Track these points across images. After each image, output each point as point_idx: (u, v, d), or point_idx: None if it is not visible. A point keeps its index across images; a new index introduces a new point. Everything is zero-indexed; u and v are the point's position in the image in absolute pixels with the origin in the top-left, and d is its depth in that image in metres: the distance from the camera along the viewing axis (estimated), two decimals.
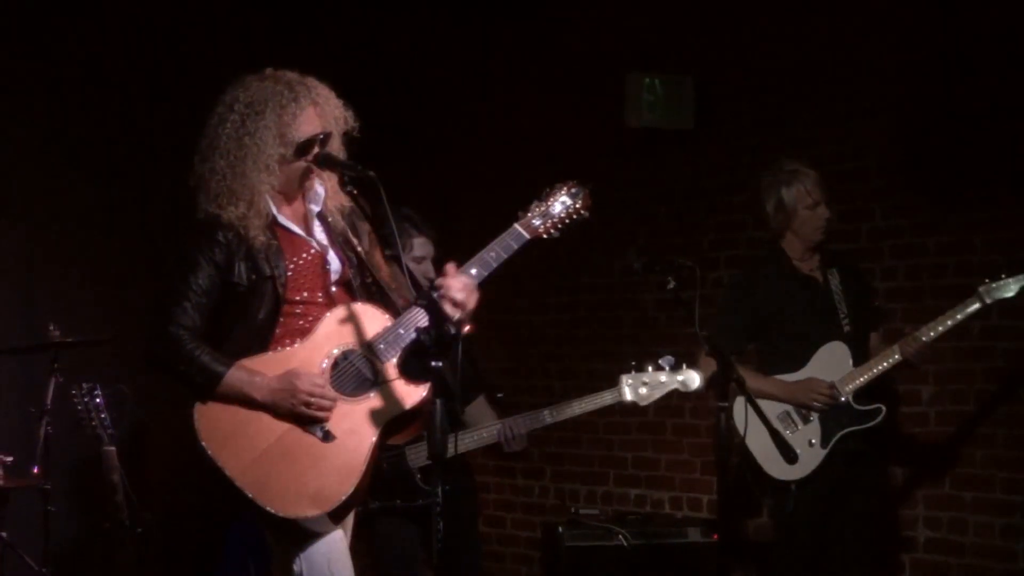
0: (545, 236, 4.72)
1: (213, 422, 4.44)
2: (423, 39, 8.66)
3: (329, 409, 4.46)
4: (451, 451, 5.71)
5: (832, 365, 6.22)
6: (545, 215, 4.71)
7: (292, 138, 4.53)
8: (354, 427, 4.49)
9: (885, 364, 6.15)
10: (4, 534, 6.55)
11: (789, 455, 5.48)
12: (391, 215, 4.35)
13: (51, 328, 6.71)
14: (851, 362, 6.21)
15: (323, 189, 4.68)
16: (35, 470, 6.69)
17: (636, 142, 7.90)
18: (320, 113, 4.59)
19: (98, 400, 6.62)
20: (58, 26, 7.59)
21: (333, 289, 4.63)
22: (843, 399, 6.15)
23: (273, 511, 4.38)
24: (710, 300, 6.57)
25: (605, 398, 6.04)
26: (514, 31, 8.41)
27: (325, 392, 4.45)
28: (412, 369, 4.57)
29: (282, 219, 4.60)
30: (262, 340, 4.52)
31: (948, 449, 6.85)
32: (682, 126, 7.69)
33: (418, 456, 5.90)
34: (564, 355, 8.28)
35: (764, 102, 7.50)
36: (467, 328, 4.57)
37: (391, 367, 4.53)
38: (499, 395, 6.17)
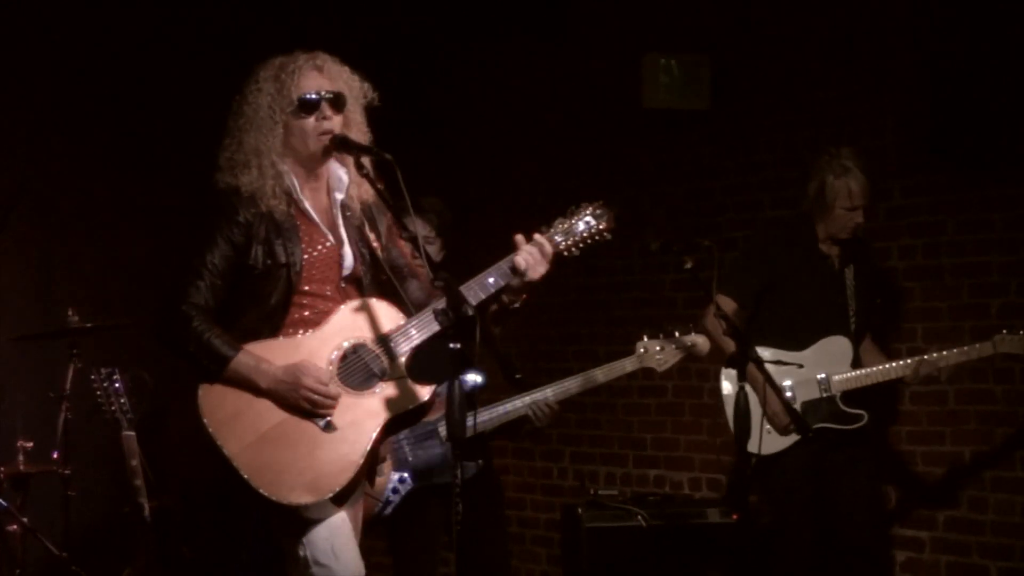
0: (565, 254, 4.70)
1: (216, 401, 4.46)
2: (440, 23, 8.64)
3: (330, 407, 4.47)
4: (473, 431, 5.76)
5: (832, 358, 6.26)
6: (567, 233, 4.69)
7: (291, 95, 4.52)
8: (356, 420, 4.51)
9: (884, 375, 6.22)
10: (25, 519, 6.58)
11: (802, 428, 5.49)
12: (408, 197, 4.36)
13: (70, 314, 6.72)
14: (850, 361, 6.26)
15: (346, 176, 4.67)
16: (55, 455, 6.72)
17: (653, 123, 7.88)
18: (326, 75, 4.58)
19: (117, 385, 6.63)
20: (78, 11, 7.60)
21: (343, 285, 4.64)
22: (831, 394, 6.22)
23: (266, 495, 4.40)
24: (734, 261, 6.59)
25: (625, 365, 6.03)
26: (531, 13, 8.39)
27: (328, 391, 4.46)
28: (420, 370, 4.59)
29: (304, 203, 4.61)
30: (273, 325, 4.53)
31: (968, 427, 6.83)
32: (699, 106, 7.67)
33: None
34: (582, 336, 8.27)
35: (781, 82, 7.48)
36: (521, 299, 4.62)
37: (400, 365, 4.55)
38: (518, 376, 6.15)
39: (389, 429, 4.61)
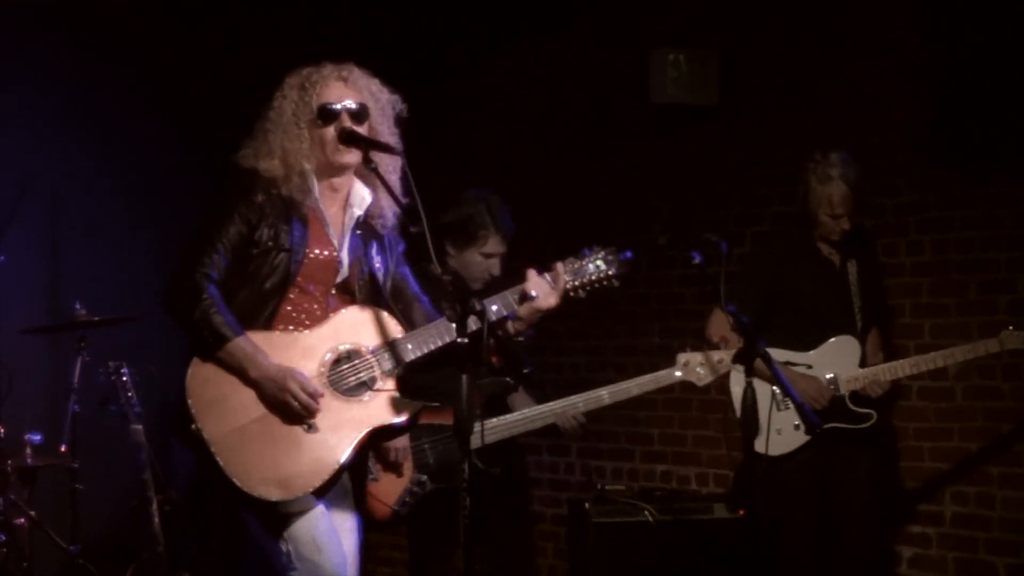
0: (571, 294, 4.73)
1: (204, 382, 4.47)
2: (446, 17, 8.64)
3: (311, 415, 4.48)
4: (501, 436, 5.77)
5: (841, 358, 6.25)
6: (577, 273, 4.72)
7: (312, 104, 4.55)
8: (339, 425, 4.52)
9: (892, 374, 6.22)
10: (33, 512, 6.59)
11: (811, 424, 5.50)
12: (416, 192, 4.38)
13: (77, 307, 6.73)
14: (859, 360, 6.26)
15: (369, 196, 4.69)
16: (63, 449, 6.74)
17: (661, 118, 7.87)
18: (351, 87, 4.60)
19: (125, 379, 6.65)
20: (84, 9, 7.61)
21: (333, 292, 4.66)
22: (840, 393, 6.21)
23: (238, 484, 4.41)
24: (735, 276, 6.56)
25: (662, 378, 5.98)
26: (537, 7, 8.38)
27: (310, 404, 4.46)
28: (410, 386, 4.60)
29: (320, 206, 4.61)
30: (266, 311, 4.54)
31: (975, 423, 6.82)
32: (707, 101, 7.66)
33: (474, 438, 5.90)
34: (590, 332, 8.26)
35: (789, 77, 7.46)
36: (521, 329, 4.64)
37: (391, 378, 4.57)
38: (526, 370, 6.15)
39: (372, 440, 4.62)
